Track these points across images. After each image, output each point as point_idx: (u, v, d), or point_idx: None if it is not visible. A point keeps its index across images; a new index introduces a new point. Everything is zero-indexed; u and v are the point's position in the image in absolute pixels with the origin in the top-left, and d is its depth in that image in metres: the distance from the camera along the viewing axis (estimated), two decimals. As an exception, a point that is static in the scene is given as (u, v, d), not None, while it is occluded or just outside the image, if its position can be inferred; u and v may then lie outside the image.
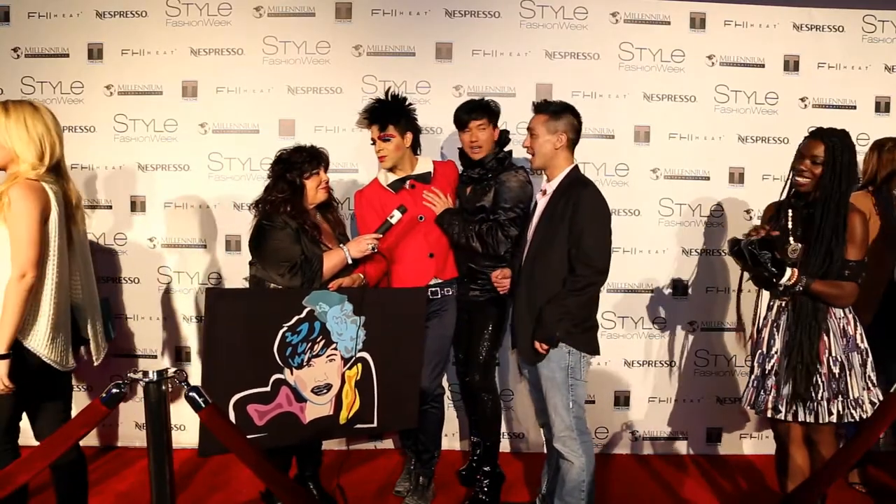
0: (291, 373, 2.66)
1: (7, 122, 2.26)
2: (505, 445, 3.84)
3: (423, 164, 3.15)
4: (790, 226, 2.62)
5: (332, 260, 2.80)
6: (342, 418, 2.79)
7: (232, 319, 2.53)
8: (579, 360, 2.69)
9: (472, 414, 3.30)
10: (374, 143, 3.06)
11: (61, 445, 1.94)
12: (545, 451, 3.02)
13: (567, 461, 2.70)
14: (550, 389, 2.71)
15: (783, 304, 2.63)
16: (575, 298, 2.61)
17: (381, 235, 2.85)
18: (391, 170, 3.11)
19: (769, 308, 2.69)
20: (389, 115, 3.02)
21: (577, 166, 2.77)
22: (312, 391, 2.72)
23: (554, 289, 2.63)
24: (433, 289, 3.07)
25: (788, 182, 2.63)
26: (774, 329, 2.66)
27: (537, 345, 2.64)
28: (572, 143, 2.75)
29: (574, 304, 2.61)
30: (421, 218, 3.05)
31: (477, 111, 3.07)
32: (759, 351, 2.71)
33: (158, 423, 1.94)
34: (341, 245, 2.87)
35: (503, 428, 3.82)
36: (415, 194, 3.08)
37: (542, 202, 2.79)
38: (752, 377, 2.74)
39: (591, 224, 2.60)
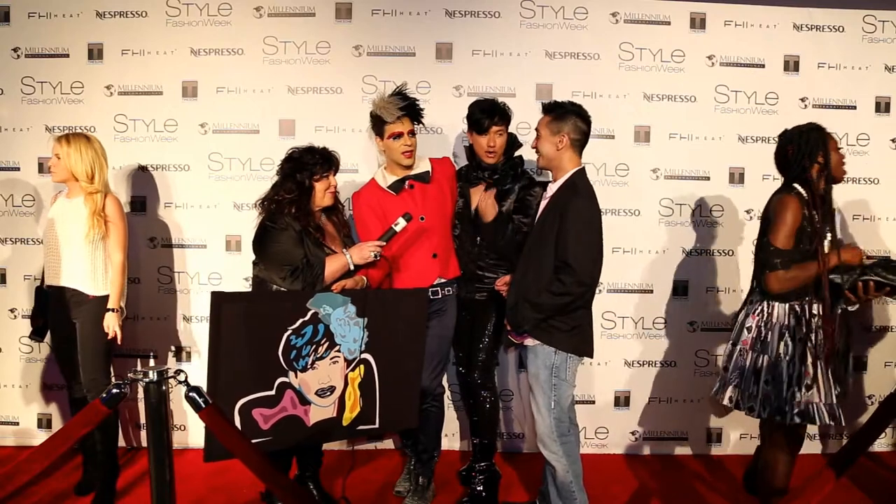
0: (296, 376, 2.66)
1: (69, 149, 3.03)
2: (504, 445, 3.84)
3: (422, 164, 3.13)
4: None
5: (333, 265, 2.79)
6: (345, 420, 2.79)
7: (237, 322, 2.53)
8: (565, 360, 2.67)
9: (471, 413, 3.31)
10: (397, 138, 2.99)
11: (61, 445, 1.95)
12: None
13: (550, 465, 2.73)
14: (535, 387, 2.71)
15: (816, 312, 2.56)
16: (549, 300, 2.58)
17: (384, 243, 2.83)
18: (398, 168, 3.10)
19: (816, 316, 2.57)
20: (418, 109, 3.06)
21: (582, 170, 2.71)
22: (316, 394, 2.72)
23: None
24: (434, 288, 3.06)
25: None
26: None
27: (507, 325, 2.72)
28: (578, 144, 2.70)
29: (548, 304, 2.59)
30: (422, 218, 3.04)
31: (498, 116, 3.05)
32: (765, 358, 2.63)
33: (158, 423, 1.94)
34: (344, 250, 2.85)
35: (502, 428, 3.83)
36: (415, 194, 3.07)
37: (543, 204, 2.79)
38: (791, 389, 2.55)
39: (575, 236, 2.55)
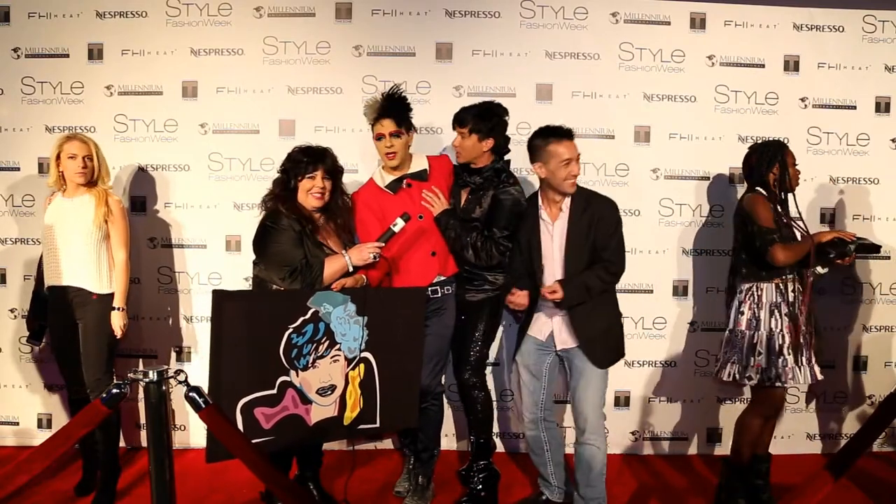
0: (297, 375, 2.66)
1: (95, 150, 3.12)
2: (504, 445, 3.84)
3: (419, 162, 3.13)
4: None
5: (333, 266, 2.78)
6: (346, 419, 2.80)
7: (238, 321, 2.53)
8: None
9: (467, 413, 3.32)
10: (379, 139, 3.01)
11: (61, 445, 1.95)
12: (545, 447, 3.08)
13: (595, 447, 2.87)
14: (594, 380, 2.88)
15: (799, 287, 2.99)
16: (600, 284, 2.84)
17: (383, 244, 2.83)
18: (390, 168, 3.10)
19: (792, 291, 3.00)
20: (401, 110, 3.02)
21: None
22: (317, 392, 2.72)
23: (606, 297, 2.93)
24: (434, 287, 3.06)
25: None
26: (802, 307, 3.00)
27: (551, 288, 2.81)
28: None
29: (598, 287, 2.84)
30: (420, 217, 3.04)
31: (461, 119, 3.07)
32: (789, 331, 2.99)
33: (158, 423, 1.94)
34: (343, 251, 2.84)
35: (501, 428, 3.83)
36: (412, 193, 3.07)
37: (562, 221, 2.88)
38: (803, 356, 2.97)
39: (617, 234, 2.88)
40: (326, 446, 3.24)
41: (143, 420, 3.65)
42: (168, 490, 1.97)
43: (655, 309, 3.82)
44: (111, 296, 3.11)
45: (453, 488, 3.37)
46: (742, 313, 3.03)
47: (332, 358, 2.72)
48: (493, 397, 3.44)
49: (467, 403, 3.26)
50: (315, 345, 2.67)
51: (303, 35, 3.72)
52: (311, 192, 2.82)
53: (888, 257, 3.82)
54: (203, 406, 1.99)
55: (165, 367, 1.98)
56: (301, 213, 2.82)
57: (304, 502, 2.49)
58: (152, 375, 1.93)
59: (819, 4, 3.73)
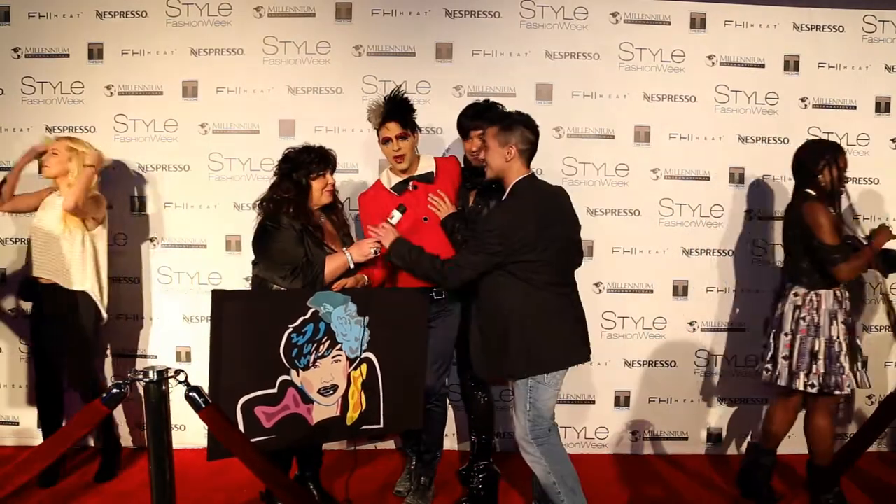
0: (298, 374, 2.66)
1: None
2: (503, 446, 3.84)
3: (426, 164, 3.11)
4: None
5: (333, 263, 2.79)
6: (349, 419, 2.79)
7: (238, 320, 2.53)
8: None
9: (468, 413, 3.32)
10: (386, 143, 2.99)
11: (61, 446, 1.95)
12: None
13: (531, 466, 2.72)
14: (516, 390, 2.69)
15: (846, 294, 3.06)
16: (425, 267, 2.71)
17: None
18: (393, 171, 3.09)
19: (847, 299, 3.06)
20: (407, 112, 3.00)
21: (529, 176, 2.67)
22: (319, 392, 2.72)
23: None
24: (439, 288, 3.05)
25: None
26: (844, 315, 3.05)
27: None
28: (525, 154, 2.66)
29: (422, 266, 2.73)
30: (425, 219, 3.03)
31: (477, 119, 2.98)
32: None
33: (158, 423, 1.94)
34: (344, 249, 2.84)
35: (503, 428, 3.83)
36: (418, 195, 3.06)
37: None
38: (858, 363, 3.03)
39: (481, 235, 2.63)
40: (327, 446, 3.24)
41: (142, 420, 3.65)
42: (168, 490, 1.97)
43: (655, 309, 3.82)
44: (87, 294, 3.22)
45: (453, 488, 3.37)
46: (803, 319, 3.01)
47: (333, 358, 2.72)
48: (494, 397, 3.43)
49: (469, 404, 3.26)
50: (316, 344, 2.67)
51: (303, 35, 3.71)
52: (325, 189, 2.86)
53: (888, 257, 3.82)
54: (203, 406, 1.99)
55: (165, 367, 1.98)
56: (310, 215, 2.83)
57: (304, 502, 2.49)
58: (152, 375, 1.93)
59: (819, 4, 3.73)
